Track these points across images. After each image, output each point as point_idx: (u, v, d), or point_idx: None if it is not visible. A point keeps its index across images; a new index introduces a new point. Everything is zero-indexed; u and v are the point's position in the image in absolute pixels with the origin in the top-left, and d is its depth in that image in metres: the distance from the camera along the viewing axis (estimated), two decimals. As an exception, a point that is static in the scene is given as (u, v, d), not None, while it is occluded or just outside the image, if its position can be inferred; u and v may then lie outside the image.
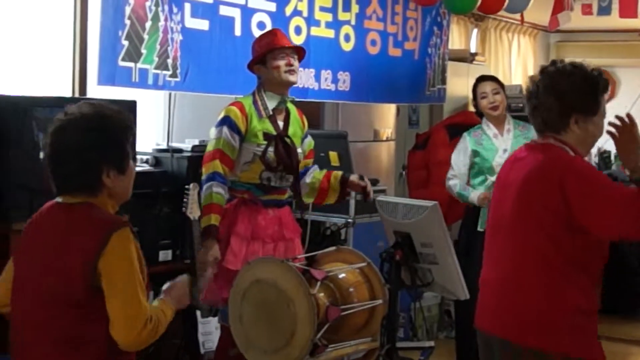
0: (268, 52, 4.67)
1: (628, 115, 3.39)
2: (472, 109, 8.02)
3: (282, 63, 4.67)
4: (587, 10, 7.08)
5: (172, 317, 3.02)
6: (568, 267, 3.34)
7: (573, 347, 3.36)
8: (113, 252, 2.85)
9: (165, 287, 3.14)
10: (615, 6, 6.80)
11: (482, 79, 6.31)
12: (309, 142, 4.96)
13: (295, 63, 4.73)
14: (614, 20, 7.05)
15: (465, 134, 6.14)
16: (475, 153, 6.02)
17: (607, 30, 10.47)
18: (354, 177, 4.91)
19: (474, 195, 5.93)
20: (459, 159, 6.09)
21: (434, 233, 3.95)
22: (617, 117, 3.39)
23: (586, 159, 3.57)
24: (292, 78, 4.73)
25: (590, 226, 3.30)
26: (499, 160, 5.93)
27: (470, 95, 8.00)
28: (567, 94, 3.41)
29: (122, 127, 3.00)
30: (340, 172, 4.97)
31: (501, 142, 6.05)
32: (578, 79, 3.43)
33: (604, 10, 6.94)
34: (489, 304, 3.53)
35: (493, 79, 6.35)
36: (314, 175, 4.95)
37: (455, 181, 6.06)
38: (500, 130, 6.08)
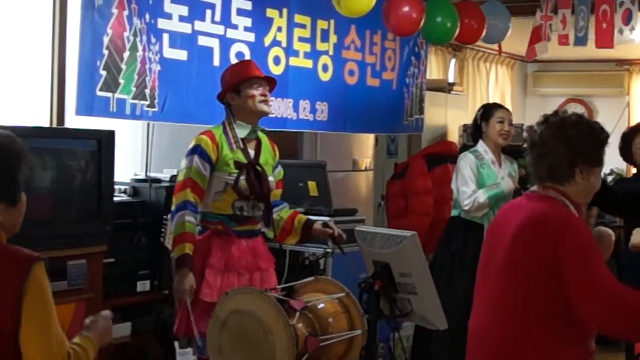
0: (242, 81, 4.67)
1: None
2: (451, 138, 8.08)
3: (257, 93, 4.67)
4: (563, 40, 7.12)
5: (95, 354, 2.83)
6: (556, 321, 3.28)
7: None
8: (33, 286, 2.64)
9: (87, 321, 2.96)
10: (592, 36, 6.85)
11: (501, 105, 6.35)
12: (279, 171, 4.96)
13: (269, 94, 4.75)
14: (591, 50, 7.11)
15: (467, 153, 6.10)
16: (478, 172, 6.02)
17: (583, 60, 10.55)
18: (317, 225, 4.91)
19: (507, 183, 5.94)
20: (471, 172, 6.02)
21: (412, 263, 3.94)
22: None
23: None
24: (266, 108, 4.73)
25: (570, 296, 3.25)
26: None
27: (449, 125, 8.07)
28: (577, 142, 3.38)
29: (13, 156, 2.73)
30: (305, 217, 4.97)
31: (499, 170, 6.06)
32: (585, 128, 3.41)
33: (580, 41, 6.98)
34: (478, 355, 3.49)
35: (509, 110, 6.36)
36: (280, 213, 4.94)
37: (477, 193, 5.99)
38: (497, 159, 6.11)
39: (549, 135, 3.40)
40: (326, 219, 5.88)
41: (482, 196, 5.93)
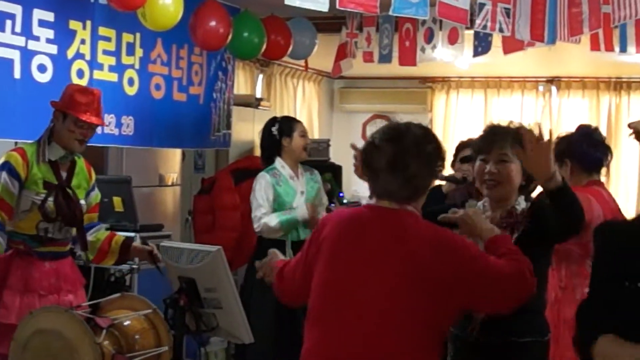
0: (72, 111, 4.59)
1: (538, 125, 3.50)
2: (259, 153, 8.11)
3: (77, 131, 4.62)
4: (368, 57, 7.26)
5: None
6: (434, 338, 3.27)
7: None
8: None
9: None
10: (395, 54, 7.00)
11: (297, 119, 6.41)
12: (96, 195, 4.88)
13: (90, 134, 4.68)
14: (395, 67, 7.27)
15: (263, 173, 6.12)
16: (275, 191, 6.04)
17: (388, 77, 10.80)
18: (136, 244, 4.87)
19: (301, 211, 5.93)
20: (265, 194, 6.03)
21: (218, 278, 3.92)
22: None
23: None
24: (78, 148, 4.68)
25: (476, 304, 3.33)
26: (298, 202, 6.01)
27: (257, 140, 8.10)
28: (434, 159, 3.34)
29: None
30: (123, 237, 4.92)
31: (298, 185, 6.12)
32: (435, 142, 3.39)
33: (385, 58, 7.13)
34: None
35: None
36: (97, 235, 4.87)
37: (270, 217, 5.97)
38: (295, 172, 6.16)
39: (409, 156, 3.30)
40: (132, 234, 5.81)
41: (273, 220, 5.97)
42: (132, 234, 5.98)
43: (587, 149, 4.80)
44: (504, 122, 3.95)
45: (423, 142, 3.32)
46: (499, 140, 3.82)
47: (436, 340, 3.29)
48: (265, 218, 5.97)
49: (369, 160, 3.37)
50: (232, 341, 4.19)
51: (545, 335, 3.84)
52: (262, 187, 6.05)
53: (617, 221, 3.79)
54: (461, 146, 6.00)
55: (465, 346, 3.85)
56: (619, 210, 5.02)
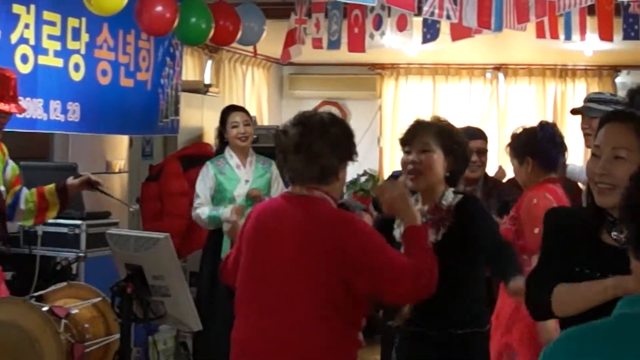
0: None
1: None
2: (208, 140, 8.07)
3: None
4: (317, 44, 7.24)
5: None
6: (344, 324, 3.42)
7: None
8: None
9: None
10: (344, 41, 7.00)
11: (234, 108, 6.39)
12: (12, 168, 4.80)
13: (4, 122, 4.60)
14: (344, 54, 7.27)
15: (208, 162, 6.18)
16: (217, 182, 6.06)
17: (337, 64, 10.80)
18: (70, 180, 4.82)
19: (226, 211, 5.92)
20: (205, 186, 6.11)
21: (165, 265, 3.90)
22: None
23: None
24: None
25: (378, 292, 3.40)
26: (240, 190, 6.01)
27: (205, 126, 8.07)
28: (340, 141, 3.50)
29: None
30: (53, 185, 4.86)
31: (243, 174, 6.12)
32: (342, 126, 3.57)
33: (334, 45, 7.12)
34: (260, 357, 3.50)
35: (244, 110, 6.44)
36: (27, 198, 4.80)
37: (203, 208, 6.06)
38: (243, 161, 6.16)
39: (313, 137, 3.46)
40: (78, 222, 5.77)
41: (204, 213, 6.06)
42: (78, 222, 5.95)
43: (551, 150, 4.84)
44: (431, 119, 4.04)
45: (328, 124, 3.49)
46: (421, 130, 3.89)
47: (347, 327, 3.44)
48: (199, 209, 6.07)
49: (279, 146, 3.55)
50: (181, 329, 4.17)
51: (484, 326, 3.89)
52: (203, 178, 6.13)
53: (563, 207, 3.91)
54: None
55: (407, 337, 3.89)
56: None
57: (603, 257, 2.69)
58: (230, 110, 6.41)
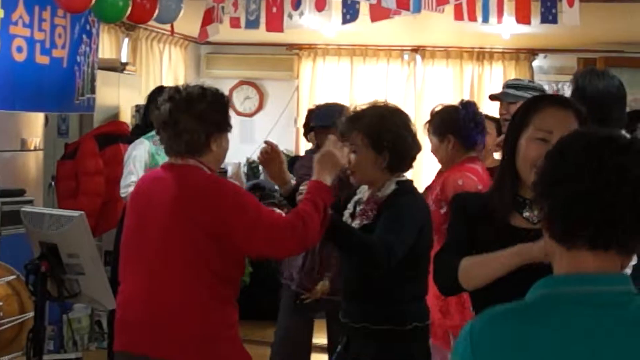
0: None
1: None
2: (124, 118, 8.02)
3: None
4: (235, 23, 7.21)
5: None
6: (219, 284, 3.53)
7: (232, 358, 3.58)
8: None
9: None
10: (263, 20, 6.99)
11: (158, 91, 6.34)
12: None
13: None
14: (262, 34, 7.26)
15: (143, 138, 6.10)
16: (153, 159, 6.00)
17: (255, 43, 10.79)
18: None
19: None
20: (139, 162, 6.01)
21: (80, 243, 3.90)
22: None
23: (231, 168, 3.76)
24: None
25: (248, 249, 3.56)
26: None
27: (122, 105, 8.02)
28: (208, 115, 3.59)
29: None
30: None
31: None
32: (211, 97, 3.66)
33: (252, 24, 7.09)
34: (136, 321, 3.56)
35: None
36: None
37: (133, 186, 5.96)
38: None
39: (180, 113, 3.57)
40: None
41: None
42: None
43: (473, 128, 4.86)
44: (365, 103, 3.97)
45: (196, 99, 3.60)
46: (352, 128, 3.85)
47: (222, 286, 3.56)
48: (132, 187, 5.96)
49: (154, 121, 3.72)
50: (95, 307, 4.17)
51: (425, 320, 3.86)
52: (139, 154, 6.03)
53: (469, 193, 3.95)
54: (310, 114, 6.06)
55: (352, 333, 3.87)
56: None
57: (513, 240, 2.74)
58: (161, 91, 6.36)
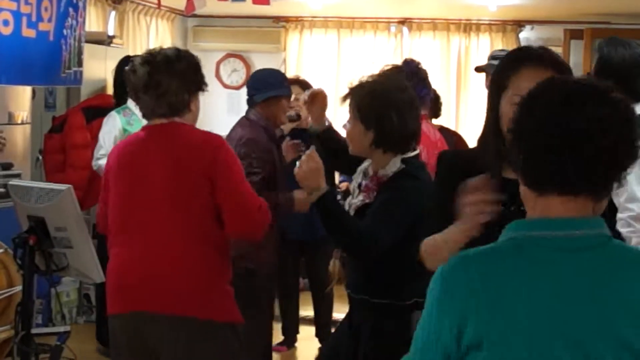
0: None
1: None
2: (111, 91, 8.02)
3: None
4: (222, -5, 7.24)
5: None
6: (217, 234, 3.64)
7: (232, 314, 3.71)
8: None
9: None
10: (249, -7, 7.00)
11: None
12: None
13: None
14: (248, 6, 7.26)
15: (113, 112, 6.14)
16: (125, 132, 6.02)
17: (241, 16, 10.78)
18: None
19: None
20: (110, 136, 6.06)
21: (68, 217, 3.92)
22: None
23: None
24: None
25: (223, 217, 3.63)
26: None
27: (109, 78, 8.01)
28: (187, 75, 3.65)
29: None
30: None
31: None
32: (187, 58, 3.74)
33: (239, -3, 7.12)
34: (136, 282, 3.60)
35: None
36: None
37: (105, 160, 5.99)
38: None
39: (160, 74, 3.62)
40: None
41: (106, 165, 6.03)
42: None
43: (417, 84, 4.76)
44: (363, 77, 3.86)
45: (174, 59, 3.64)
46: (350, 98, 3.79)
47: (221, 235, 3.66)
48: (102, 160, 6.00)
49: (129, 85, 3.73)
50: (83, 281, 4.19)
51: (402, 299, 3.73)
52: (108, 128, 6.07)
53: (455, 150, 3.94)
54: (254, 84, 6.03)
55: (353, 304, 3.86)
56: (444, 142, 5.04)
57: (503, 191, 2.69)
58: (128, 60, 6.36)
